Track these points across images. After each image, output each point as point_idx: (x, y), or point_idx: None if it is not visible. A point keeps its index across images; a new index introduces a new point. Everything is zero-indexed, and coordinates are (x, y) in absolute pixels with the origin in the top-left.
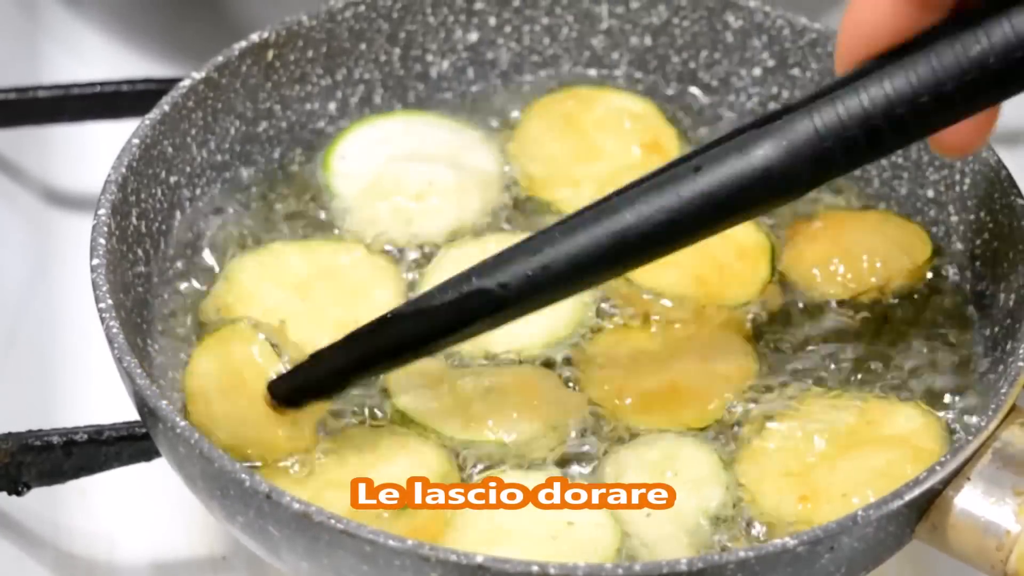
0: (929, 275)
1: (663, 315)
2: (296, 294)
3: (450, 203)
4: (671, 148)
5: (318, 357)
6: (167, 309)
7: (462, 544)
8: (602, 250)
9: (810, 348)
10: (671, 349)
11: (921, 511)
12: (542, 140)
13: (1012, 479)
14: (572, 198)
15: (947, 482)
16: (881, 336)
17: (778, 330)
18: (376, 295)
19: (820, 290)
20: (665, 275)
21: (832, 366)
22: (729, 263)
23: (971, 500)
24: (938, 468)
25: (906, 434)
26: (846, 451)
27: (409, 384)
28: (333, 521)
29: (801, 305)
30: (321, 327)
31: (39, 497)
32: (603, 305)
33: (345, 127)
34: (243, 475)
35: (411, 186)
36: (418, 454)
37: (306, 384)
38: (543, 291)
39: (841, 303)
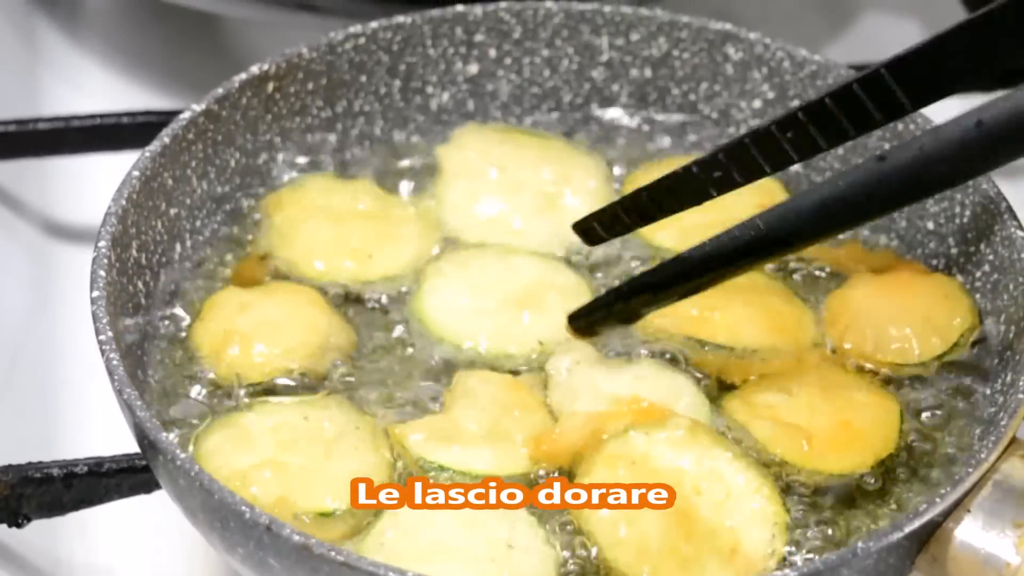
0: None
1: (765, 368)
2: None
3: (547, 227)
4: None
5: (614, 291)
6: (167, 341)
7: (397, 557)
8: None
9: None
10: (820, 393)
11: (921, 543)
12: None
13: (1012, 511)
14: (674, 239)
15: (947, 514)
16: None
17: None
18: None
19: (859, 360)
20: (744, 332)
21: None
22: (790, 318)
23: (971, 532)
24: (938, 500)
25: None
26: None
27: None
28: (333, 553)
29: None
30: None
31: (39, 529)
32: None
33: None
34: (243, 507)
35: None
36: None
37: (602, 314)
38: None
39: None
